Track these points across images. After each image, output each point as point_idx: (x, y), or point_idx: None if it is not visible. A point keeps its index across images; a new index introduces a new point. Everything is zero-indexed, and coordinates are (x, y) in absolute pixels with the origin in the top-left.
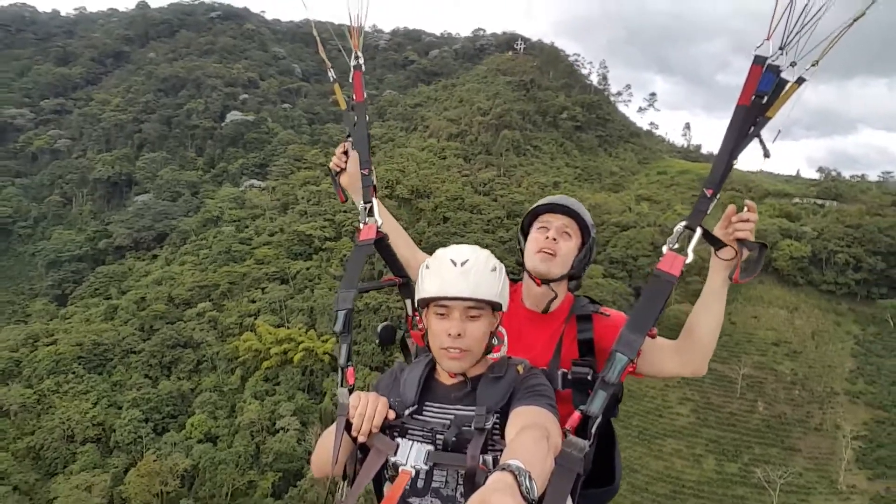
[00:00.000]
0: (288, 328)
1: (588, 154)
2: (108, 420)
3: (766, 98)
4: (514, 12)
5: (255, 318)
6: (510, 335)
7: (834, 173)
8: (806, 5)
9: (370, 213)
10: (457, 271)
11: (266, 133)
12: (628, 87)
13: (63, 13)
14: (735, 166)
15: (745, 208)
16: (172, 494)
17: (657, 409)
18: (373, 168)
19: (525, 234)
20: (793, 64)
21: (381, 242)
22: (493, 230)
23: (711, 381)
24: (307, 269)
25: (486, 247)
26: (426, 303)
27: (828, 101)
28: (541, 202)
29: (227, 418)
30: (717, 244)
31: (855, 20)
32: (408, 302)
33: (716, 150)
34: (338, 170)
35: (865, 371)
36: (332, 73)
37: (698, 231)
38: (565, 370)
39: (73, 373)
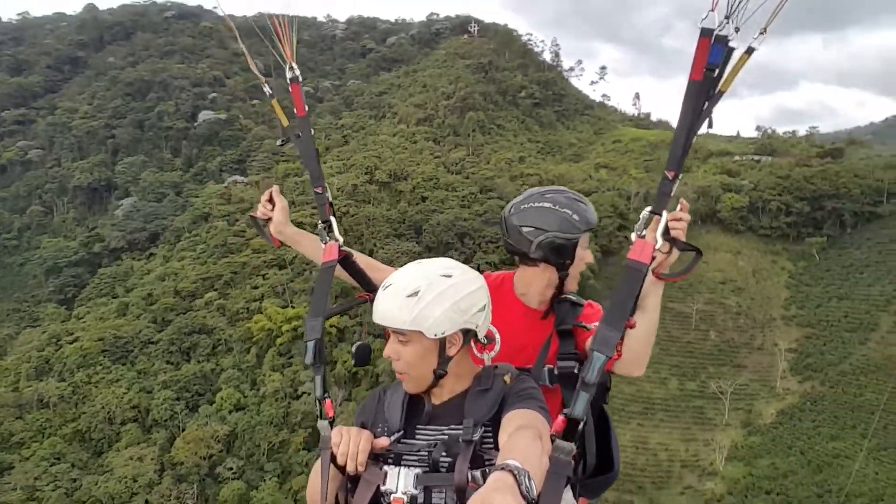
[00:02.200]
0: (294, 308)
1: (548, 129)
2: (141, 402)
3: (716, 71)
4: None
5: (261, 302)
6: (507, 330)
7: (769, 131)
8: None
9: (329, 231)
10: (381, 295)
11: (240, 130)
12: (580, 62)
13: (5, 19)
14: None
15: (678, 206)
16: (216, 457)
17: None
18: (327, 185)
19: (570, 246)
20: (737, 30)
21: (346, 260)
22: (468, 205)
23: (671, 318)
24: None
25: (464, 221)
26: None
27: (769, 59)
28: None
29: (251, 390)
30: (666, 234)
31: None
32: None
33: (664, 117)
34: (264, 219)
35: (797, 298)
36: (267, 89)
37: (665, 215)
38: (551, 366)
39: (101, 364)
